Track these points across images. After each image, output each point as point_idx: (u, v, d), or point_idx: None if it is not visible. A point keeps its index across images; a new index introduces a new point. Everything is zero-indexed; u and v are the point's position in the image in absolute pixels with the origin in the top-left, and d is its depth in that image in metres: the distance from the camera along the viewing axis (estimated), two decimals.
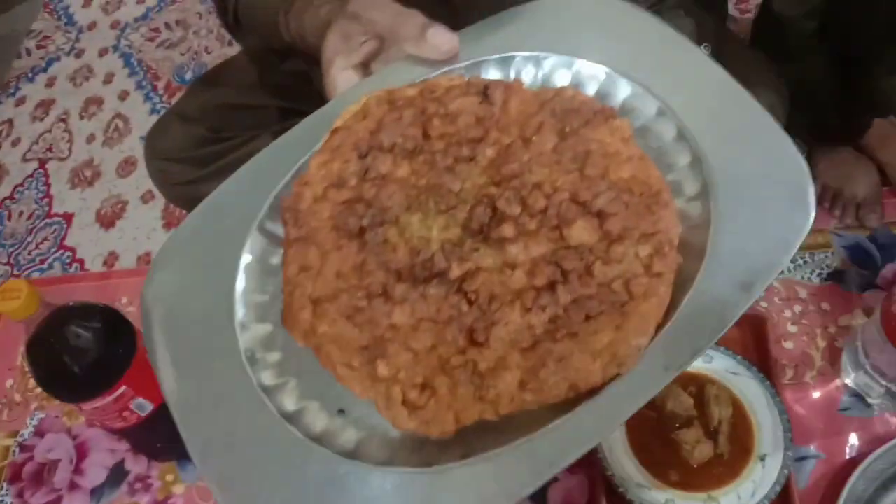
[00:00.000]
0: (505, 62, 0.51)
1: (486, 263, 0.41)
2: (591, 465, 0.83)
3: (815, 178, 0.45)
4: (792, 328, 0.90)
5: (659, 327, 0.39)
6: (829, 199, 0.98)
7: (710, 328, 0.39)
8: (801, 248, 0.96)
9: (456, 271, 0.41)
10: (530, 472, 0.37)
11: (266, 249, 0.47)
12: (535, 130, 0.45)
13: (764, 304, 0.91)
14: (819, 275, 0.94)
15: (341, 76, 0.54)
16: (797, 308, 0.91)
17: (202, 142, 0.92)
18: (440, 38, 0.51)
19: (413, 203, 0.44)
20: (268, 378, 0.43)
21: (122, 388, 0.75)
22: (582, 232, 0.41)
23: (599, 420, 0.37)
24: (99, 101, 1.35)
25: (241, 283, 0.46)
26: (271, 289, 0.46)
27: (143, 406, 0.78)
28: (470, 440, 0.39)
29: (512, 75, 0.51)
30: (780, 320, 0.90)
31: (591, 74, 0.50)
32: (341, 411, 0.42)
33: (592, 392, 0.38)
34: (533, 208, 0.42)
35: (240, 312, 0.45)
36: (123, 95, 1.35)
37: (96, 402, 0.74)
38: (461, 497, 0.37)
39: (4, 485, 0.93)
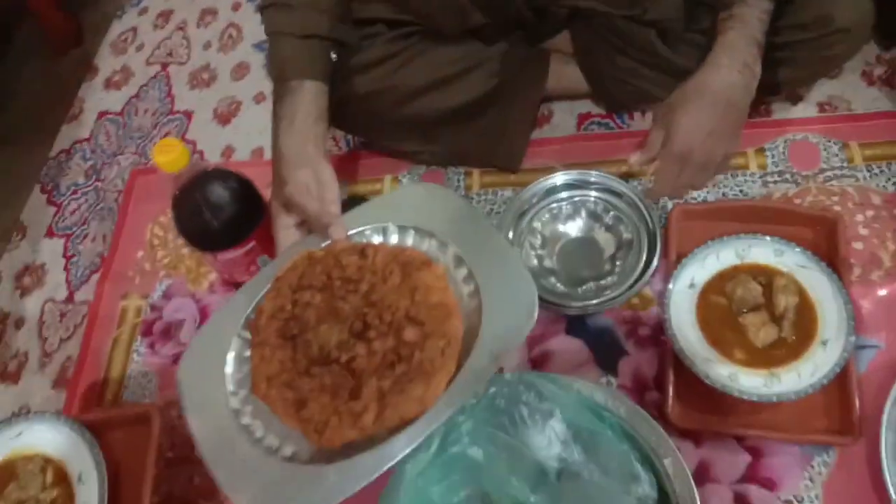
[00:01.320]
0: (376, 230, 0.82)
1: (361, 352, 0.71)
2: (660, 343, 0.90)
3: None
4: (863, 231, 0.93)
5: (449, 382, 0.68)
6: None
7: (473, 386, 0.68)
8: (878, 158, 0.99)
9: (344, 358, 0.71)
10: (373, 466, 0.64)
11: (242, 348, 0.76)
12: (388, 274, 0.76)
13: (837, 207, 0.95)
14: (894, 183, 0.96)
15: (283, 233, 0.83)
16: (869, 213, 0.94)
17: None
18: (336, 233, 0.80)
19: (322, 319, 0.74)
20: (246, 420, 0.72)
21: (252, 244, 0.86)
22: (410, 333, 0.70)
23: (410, 437, 0.65)
24: (213, 12, 1.42)
25: (229, 367, 0.75)
26: (245, 369, 0.75)
27: (266, 262, 0.89)
28: (349, 450, 0.67)
29: (380, 239, 0.82)
30: (852, 223, 0.93)
31: (426, 236, 0.80)
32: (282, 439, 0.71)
33: (410, 421, 0.66)
34: (385, 320, 0.72)
35: (229, 385, 0.74)
36: (236, 7, 1.41)
37: (230, 253, 0.85)
38: (347, 477, 0.65)
39: (139, 338, 1.06)
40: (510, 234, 0.97)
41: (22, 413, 1.00)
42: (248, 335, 0.77)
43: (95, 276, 1.12)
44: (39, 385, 1.05)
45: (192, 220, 0.83)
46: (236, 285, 0.93)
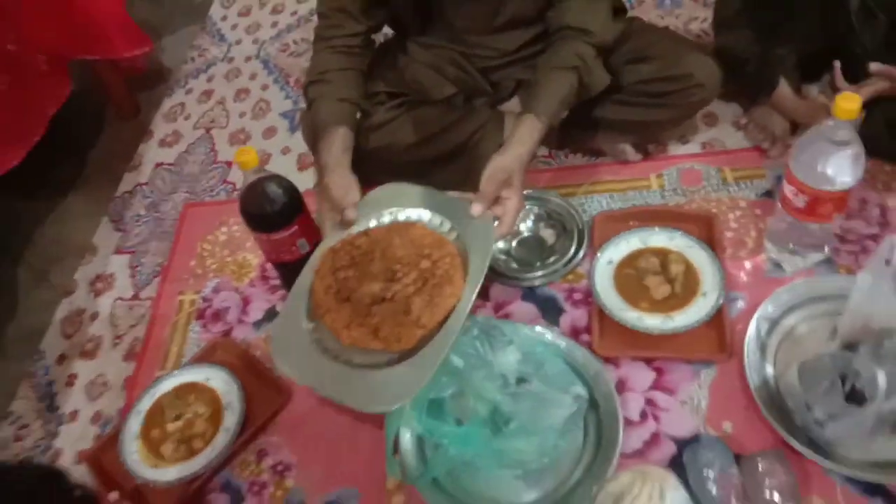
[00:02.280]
0: (375, 216, 1.16)
1: (398, 288, 1.03)
2: (589, 303, 1.22)
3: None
4: (734, 224, 1.27)
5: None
6: (760, 135, 1.36)
7: (479, 277, 1.03)
8: (743, 178, 1.35)
9: (389, 295, 1.03)
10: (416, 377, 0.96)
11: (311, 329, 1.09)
12: (390, 239, 1.09)
13: (715, 210, 1.30)
14: (756, 193, 1.31)
15: (325, 219, 1.18)
16: (738, 213, 1.28)
17: None
18: (349, 214, 1.14)
19: (361, 281, 1.05)
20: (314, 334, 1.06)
21: (295, 228, 1.17)
22: (425, 262, 1.04)
23: (457, 316, 0.99)
24: (247, 91, 1.78)
25: (305, 324, 1.07)
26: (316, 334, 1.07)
27: (304, 245, 1.20)
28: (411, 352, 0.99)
29: (375, 223, 1.15)
30: (725, 219, 1.27)
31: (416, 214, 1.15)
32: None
33: (452, 310, 1.00)
34: (404, 263, 1.05)
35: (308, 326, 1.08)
36: (264, 87, 1.77)
37: (279, 234, 1.16)
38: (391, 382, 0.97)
39: (194, 321, 1.34)
40: None
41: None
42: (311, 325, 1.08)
43: (157, 280, 1.42)
44: (113, 359, 1.32)
45: (254, 208, 1.15)
46: (279, 265, 1.24)
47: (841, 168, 1.03)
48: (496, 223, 1.10)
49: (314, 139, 1.26)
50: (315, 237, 1.20)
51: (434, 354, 0.97)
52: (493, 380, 1.04)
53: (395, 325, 1.00)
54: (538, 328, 1.17)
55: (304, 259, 1.20)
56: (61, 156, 1.74)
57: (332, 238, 1.15)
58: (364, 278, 1.06)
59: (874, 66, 1.15)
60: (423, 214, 1.14)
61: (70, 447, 1.21)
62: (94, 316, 1.39)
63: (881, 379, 0.89)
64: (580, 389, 1.06)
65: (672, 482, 0.91)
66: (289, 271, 1.24)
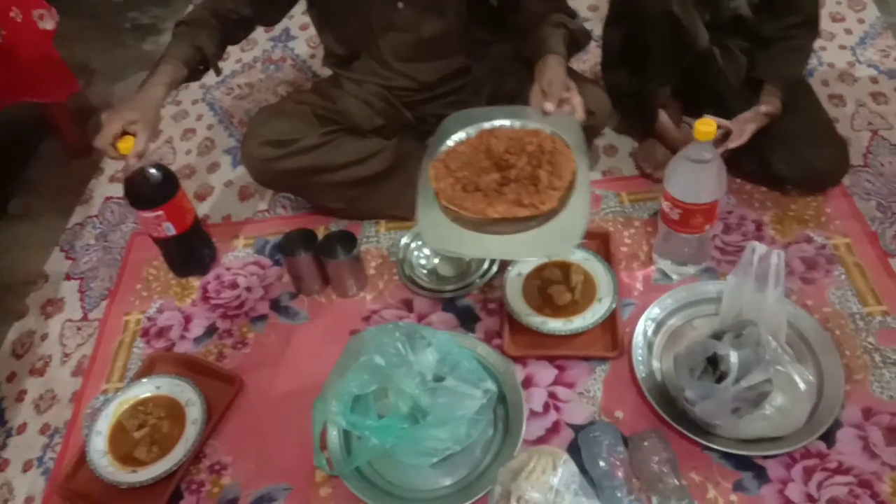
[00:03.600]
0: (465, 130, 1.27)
1: (514, 173, 1.15)
2: (501, 311, 1.33)
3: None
4: (628, 241, 1.41)
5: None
6: (646, 163, 1.52)
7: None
8: (637, 200, 1.50)
9: (508, 176, 1.16)
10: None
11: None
12: (488, 143, 1.21)
13: (612, 228, 1.44)
14: (648, 213, 1.46)
15: (101, 138, 1.28)
16: (632, 230, 1.43)
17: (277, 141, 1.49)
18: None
19: (480, 175, 1.16)
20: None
21: (160, 212, 1.36)
22: (528, 151, 1.18)
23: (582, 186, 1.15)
24: (193, 130, 1.87)
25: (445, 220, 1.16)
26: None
27: (170, 228, 1.39)
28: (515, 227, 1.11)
29: (473, 132, 1.26)
30: (620, 236, 1.42)
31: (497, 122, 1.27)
32: None
33: (573, 180, 1.14)
34: (513, 155, 1.18)
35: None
36: (209, 127, 1.87)
37: (146, 213, 1.35)
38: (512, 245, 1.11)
39: (138, 339, 1.42)
40: (407, 249, 1.44)
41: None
42: None
43: (104, 303, 1.49)
44: (61, 375, 1.38)
45: (132, 189, 1.35)
46: (154, 239, 1.44)
47: (705, 183, 1.18)
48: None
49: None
50: (184, 225, 1.41)
51: (582, 203, 1.12)
52: (412, 377, 1.13)
53: (533, 194, 1.12)
54: (454, 333, 1.28)
55: (171, 239, 1.41)
56: (15, 190, 1.81)
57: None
58: (481, 172, 1.18)
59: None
60: (502, 122, 1.25)
61: (17, 457, 1.27)
62: (45, 336, 1.46)
63: (733, 359, 1.02)
64: (490, 384, 1.16)
65: (564, 457, 1.02)
66: (161, 245, 1.46)
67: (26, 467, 1.25)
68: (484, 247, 1.12)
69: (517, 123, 1.25)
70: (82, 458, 1.19)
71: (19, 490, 1.22)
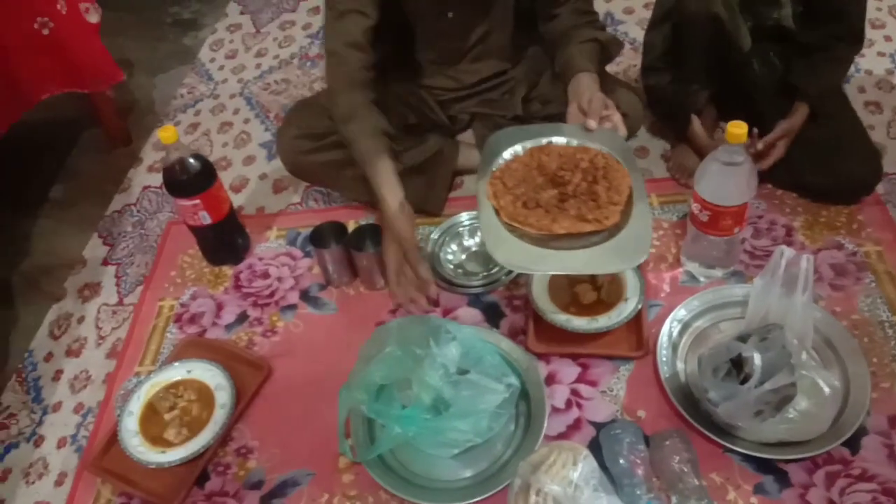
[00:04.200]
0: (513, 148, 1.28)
1: (571, 189, 1.18)
2: (526, 308, 1.34)
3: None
4: (657, 242, 1.41)
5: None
6: (677, 171, 1.52)
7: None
8: (667, 202, 1.50)
9: (566, 192, 1.18)
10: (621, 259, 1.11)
11: None
12: (539, 160, 1.23)
13: None
14: (677, 215, 1.46)
15: (391, 262, 1.33)
16: (660, 232, 1.43)
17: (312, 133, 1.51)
18: (416, 268, 1.31)
19: (538, 192, 1.18)
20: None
21: (197, 200, 1.39)
22: (582, 168, 1.20)
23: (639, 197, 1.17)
24: (230, 124, 1.91)
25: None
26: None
27: (205, 217, 1.43)
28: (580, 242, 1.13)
29: (520, 150, 1.27)
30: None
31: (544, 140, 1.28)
32: None
33: (631, 196, 1.17)
34: (566, 168, 1.20)
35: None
36: (246, 121, 1.91)
37: (184, 201, 1.38)
38: (585, 260, 1.11)
39: (171, 324, 1.45)
40: (435, 244, 1.46)
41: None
42: None
43: (139, 289, 1.53)
44: (96, 357, 1.42)
45: (167, 175, 1.39)
46: (189, 227, 1.47)
47: (735, 185, 1.17)
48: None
49: (363, 170, 1.35)
50: (220, 215, 1.44)
51: (645, 216, 1.14)
52: (436, 370, 1.15)
53: (594, 209, 1.15)
54: (479, 328, 1.29)
55: (207, 228, 1.45)
56: (57, 178, 1.86)
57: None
58: (538, 189, 1.20)
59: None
60: (550, 139, 1.27)
61: (52, 434, 1.31)
62: (81, 319, 1.50)
63: (758, 361, 1.02)
64: (513, 379, 1.17)
65: (584, 453, 1.02)
66: (196, 233, 1.50)
67: (60, 444, 1.29)
68: (562, 263, 1.12)
69: (563, 140, 1.26)
70: (114, 438, 1.22)
71: (53, 465, 1.26)
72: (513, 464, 1.10)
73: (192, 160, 1.38)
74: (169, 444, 1.21)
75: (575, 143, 1.25)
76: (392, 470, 1.15)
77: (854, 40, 1.41)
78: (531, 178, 1.21)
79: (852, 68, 1.75)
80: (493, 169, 1.24)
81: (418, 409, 1.13)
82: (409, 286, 1.33)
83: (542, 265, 1.13)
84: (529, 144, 1.26)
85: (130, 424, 1.24)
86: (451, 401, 1.13)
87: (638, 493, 1.04)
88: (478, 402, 1.13)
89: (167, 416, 1.25)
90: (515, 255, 1.12)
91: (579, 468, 0.99)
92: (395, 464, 1.16)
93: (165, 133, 1.31)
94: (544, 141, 1.26)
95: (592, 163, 1.20)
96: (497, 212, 1.17)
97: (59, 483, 1.23)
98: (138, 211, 1.72)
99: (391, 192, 1.30)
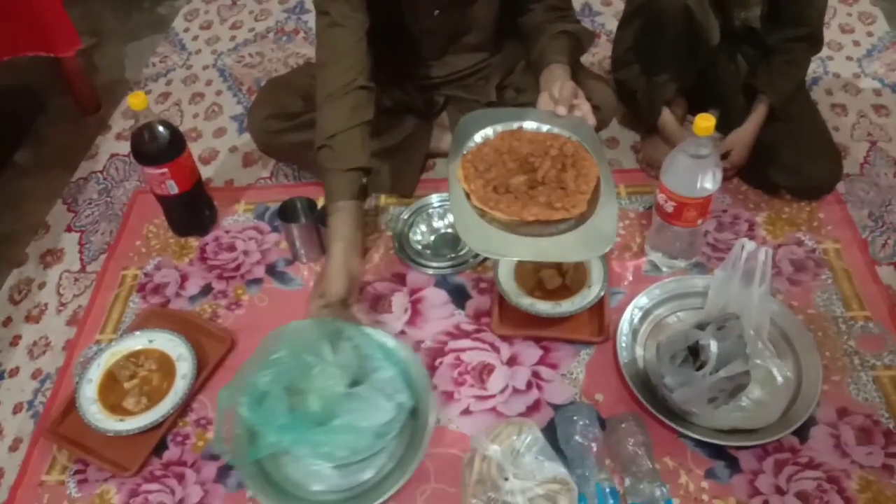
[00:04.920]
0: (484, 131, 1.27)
1: (540, 175, 1.17)
2: (492, 290, 1.35)
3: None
4: (622, 231, 1.43)
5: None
6: (647, 163, 1.54)
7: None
8: (634, 193, 1.52)
9: (536, 178, 1.17)
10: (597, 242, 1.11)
11: None
12: (510, 144, 1.22)
13: None
14: (643, 206, 1.48)
15: (313, 306, 1.21)
16: (626, 221, 1.45)
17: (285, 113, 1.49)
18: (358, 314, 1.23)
19: (507, 177, 1.18)
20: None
21: (165, 169, 1.37)
22: (551, 154, 1.20)
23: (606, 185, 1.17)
24: (202, 95, 1.88)
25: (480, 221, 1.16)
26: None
27: (172, 186, 1.41)
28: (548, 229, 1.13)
29: (491, 133, 1.26)
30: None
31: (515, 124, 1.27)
32: None
33: (598, 183, 1.18)
34: (537, 158, 1.20)
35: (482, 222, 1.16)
36: (218, 93, 1.88)
37: (151, 169, 1.37)
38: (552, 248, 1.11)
39: (134, 294, 1.44)
40: (405, 224, 1.46)
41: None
42: None
43: (103, 257, 1.51)
44: (56, 324, 1.40)
45: (134, 143, 1.38)
46: (156, 196, 1.46)
47: (700, 178, 1.19)
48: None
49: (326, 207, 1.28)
50: (187, 185, 1.43)
51: (611, 207, 1.14)
52: (328, 378, 1.13)
53: (562, 197, 1.15)
54: (383, 334, 1.24)
55: (174, 197, 1.43)
56: (24, 142, 1.82)
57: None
58: (508, 174, 1.20)
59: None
60: (521, 123, 1.27)
61: (8, 399, 1.29)
62: (42, 285, 1.47)
63: (714, 349, 1.04)
64: (405, 397, 1.14)
65: (530, 424, 1.05)
66: (163, 202, 1.48)
67: (16, 410, 1.27)
68: (530, 250, 1.12)
69: (534, 126, 1.26)
70: (72, 405, 1.21)
71: (8, 431, 1.24)
72: (393, 476, 1.09)
73: (160, 127, 1.36)
74: (128, 413, 1.20)
75: (545, 129, 1.25)
76: (267, 475, 1.12)
77: (813, 42, 1.44)
78: (502, 163, 1.22)
79: (820, 70, 1.79)
80: (464, 151, 1.24)
81: (301, 418, 1.10)
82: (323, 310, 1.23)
83: (512, 251, 1.14)
84: (500, 128, 1.26)
85: (89, 392, 1.22)
86: (338, 412, 1.10)
87: (587, 474, 1.06)
88: (364, 417, 1.10)
89: (127, 385, 1.24)
90: (486, 240, 1.12)
91: (523, 437, 1.03)
92: (272, 469, 1.13)
93: (135, 99, 1.29)
94: (515, 125, 1.27)
95: (562, 150, 1.21)
96: (468, 195, 1.18)
97: (13, 448, 1.22)
98: (105, 178, 1.69)
99: (337, 242, 1.23)
